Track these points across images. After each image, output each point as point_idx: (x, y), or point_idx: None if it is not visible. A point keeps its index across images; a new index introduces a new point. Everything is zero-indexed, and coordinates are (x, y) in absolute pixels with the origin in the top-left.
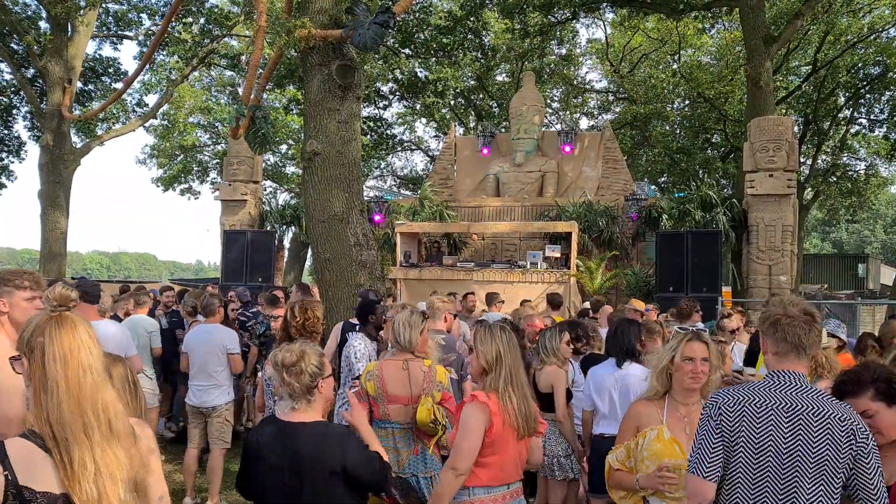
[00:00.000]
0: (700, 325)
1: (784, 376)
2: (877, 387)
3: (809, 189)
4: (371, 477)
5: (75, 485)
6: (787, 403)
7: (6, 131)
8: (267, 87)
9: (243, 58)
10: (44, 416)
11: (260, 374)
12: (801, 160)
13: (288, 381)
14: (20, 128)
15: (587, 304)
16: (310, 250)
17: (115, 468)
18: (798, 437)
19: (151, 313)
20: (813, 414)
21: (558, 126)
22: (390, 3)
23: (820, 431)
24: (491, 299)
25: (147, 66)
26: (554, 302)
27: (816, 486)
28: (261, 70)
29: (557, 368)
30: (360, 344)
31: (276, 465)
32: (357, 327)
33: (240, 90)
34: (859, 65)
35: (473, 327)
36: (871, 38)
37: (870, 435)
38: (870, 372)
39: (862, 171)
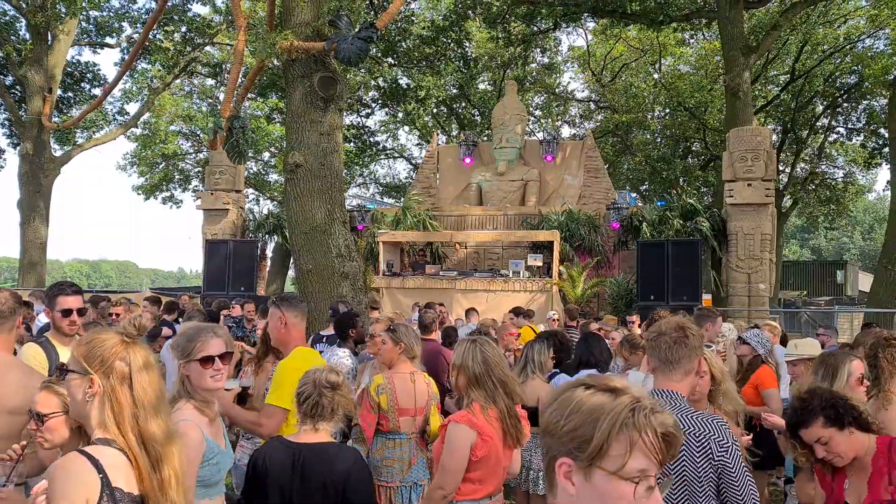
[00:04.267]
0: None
1: (655, 395)
2: (826, 414)
3: (788, 197)
4: (364, 500)
5: (163, 492)
6: None
7: None
8: (249, 96)
9: (226, 66)
10: (135, 432)
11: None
12: (780, 168)
13: (331, 401)
14: None
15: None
16: (292, 261)
17: (181, 479)
18: None
19: None
20: None
21: (540, 134)
22: (373, 16)
23: None
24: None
25: (128, 74)
26: (520, 314)
27: (683, 499)
28: (242, 78)
29: (542, 382)
30: (347, 360)
31: (287, 485)
32: (325, 338)
33: (219, 103)
34: (836, 74)
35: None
36: (847, 47)
37: (729, 448)
38: (817, 400)
39: (840, 179)
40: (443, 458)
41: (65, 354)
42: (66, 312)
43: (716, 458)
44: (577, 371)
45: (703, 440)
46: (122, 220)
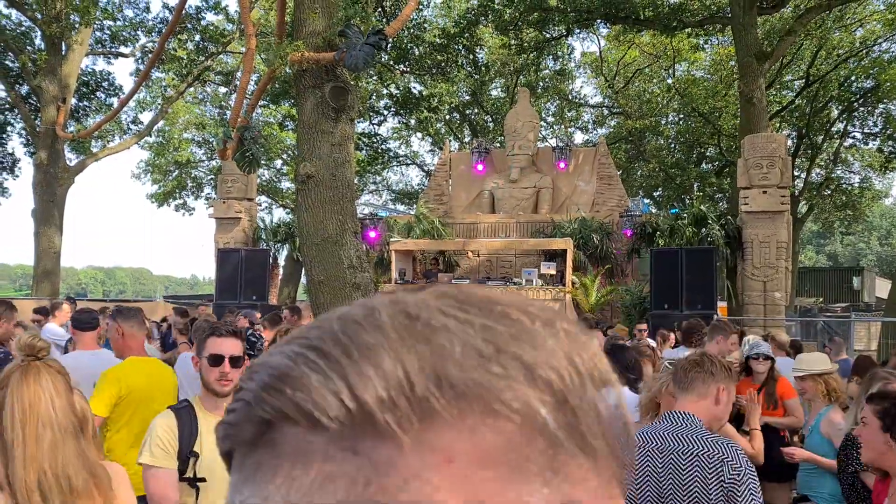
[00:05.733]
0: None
1: (669, 416)
2: (885, 406)
3: (804, 202)
4: None
5: None
6: (660, 443)
7: (0, 148)
8: (261, 104)
9: (237, 74)
10: (2, 475)
11: None
12: (796, 174)
13: None
14: (15, 144)
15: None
16: (303, 272)
17: None
18: (669, 473)
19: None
20: (682, 452)
21: (553, 140)
22: (385, 24)
23: (688, 467)
24: None
25: (142, 84)
26: None
27: None
28: (253, 87)
29: None
30: None
31: None
32: None
33: (228, 111)
34: (852, 78)
35: None
36: (863, 52)
37: (742, 470)
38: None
39: (856, 184)
40: None
41: (209, 425)
42: (216, 360)
43: (727, 482)
44: None
45: (716, 463)
46: (136, 227)
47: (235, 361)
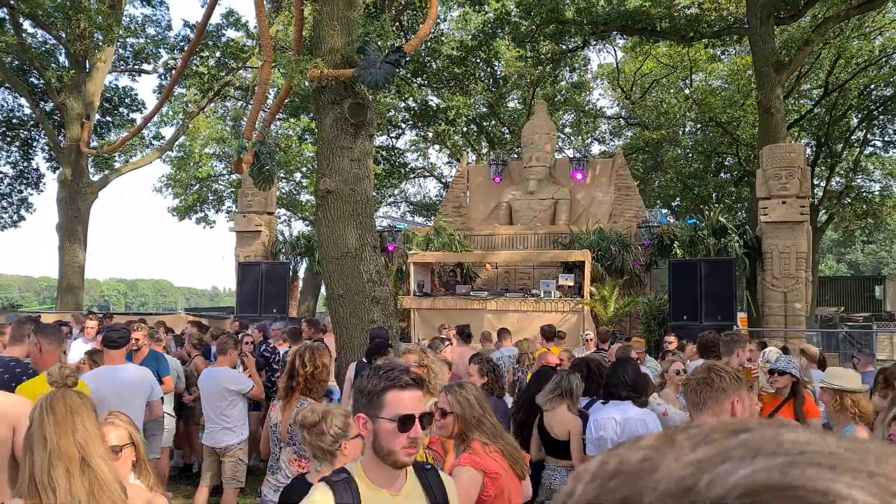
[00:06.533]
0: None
1: None
2: None
3: (823, 211)
4: None
5: None
6: None
7: (26, 164)
8: (280, 117)
9: (253, 87)
10: (41, 490)
11: (266, 419)
12: (815, 183)
13: (309, 440)
14: (39, 160)
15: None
16: (323, 286)
17: None
18: None
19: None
20: None
21: (570, 152)
22: (403, 40)
23: None
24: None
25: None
26: (547, 334)
27: None
28: (271, 100)
29: (572, 414)
30: None
31: None
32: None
33: (244, 123)
34: (871, 87)
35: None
36: (883, 60)
37: None
38: None
39: (877, 192)
40: None
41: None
42: (405, 422)
43: None
44: (606, 402)
45: None
46: (157, 239)
47: (424, 420)
